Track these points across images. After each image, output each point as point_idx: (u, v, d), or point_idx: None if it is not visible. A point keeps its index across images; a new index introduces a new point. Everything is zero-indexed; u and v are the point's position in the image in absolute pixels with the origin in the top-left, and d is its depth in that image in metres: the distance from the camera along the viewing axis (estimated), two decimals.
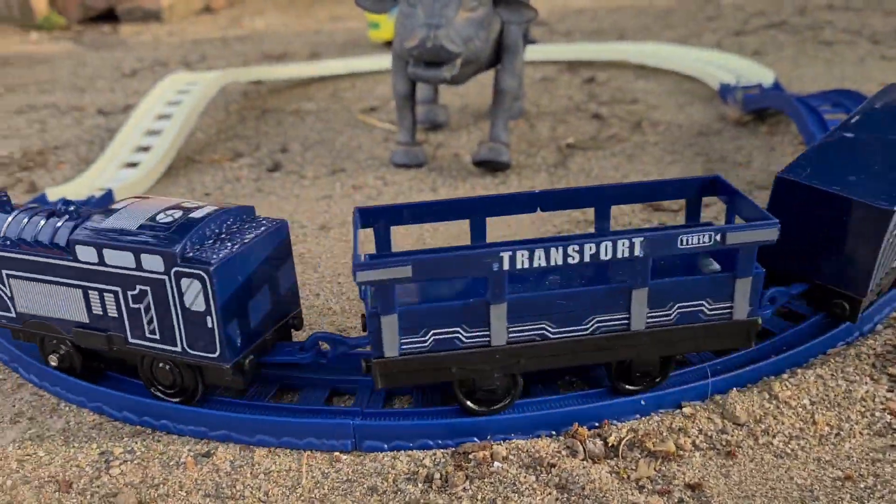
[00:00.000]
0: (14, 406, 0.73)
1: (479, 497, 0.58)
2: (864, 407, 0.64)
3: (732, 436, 0.62)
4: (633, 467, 0.60)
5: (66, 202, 0.69)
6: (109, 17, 3.70)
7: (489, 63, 1.25)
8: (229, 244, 0.64)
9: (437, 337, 0.61)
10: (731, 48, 2.07)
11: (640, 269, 0.60)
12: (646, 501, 0.57)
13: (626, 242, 0.59)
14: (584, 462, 0.61)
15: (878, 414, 0.63)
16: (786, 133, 1.35)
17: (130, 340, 0.66)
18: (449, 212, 0.72)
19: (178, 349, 0.64)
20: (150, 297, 0.63)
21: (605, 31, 2.45)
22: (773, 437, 0.62)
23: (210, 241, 0.64)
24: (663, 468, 0.60)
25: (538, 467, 0.60)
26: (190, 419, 0.67)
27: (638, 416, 0.65)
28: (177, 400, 0.68)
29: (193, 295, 0.61)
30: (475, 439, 0.63)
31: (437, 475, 0.60)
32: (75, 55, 2.69)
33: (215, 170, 1.39)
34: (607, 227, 0.73)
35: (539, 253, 0.59)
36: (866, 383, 0.66)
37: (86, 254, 0.65)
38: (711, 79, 1.64)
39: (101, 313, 0.66)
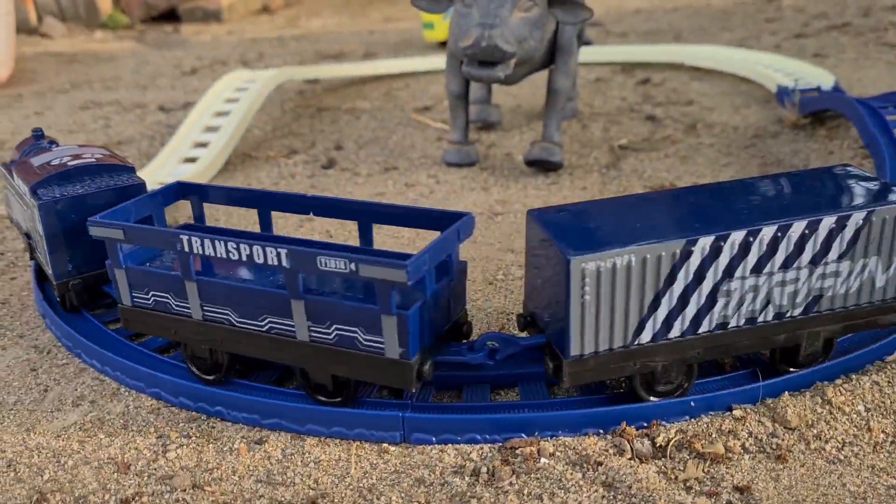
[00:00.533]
0: (76, 390, 0.76)
1: (525, 492, 0.58)
2: None
3: (783, 440, 0.61)
4: (682, 468, 0.60)
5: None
6: (171, 16, 3.79)
7: (543, 63, 1.25)
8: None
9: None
10: (790, 50, 2.03)
11: (292, 281, 0.62)
12: (693, 502, 0.56)
13: (274, 252, 0.61)
14: (632, 461, 0.60)
15: None
16: (845, 137, 1.32)
17: None
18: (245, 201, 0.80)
19: None
20: None
21: (661, 32, 2.42)
22: (826, 442, 0.61)
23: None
24: (711, 470, 0.59)
25: (585, 465, 0.60)
26: (244, 406, 0.69)
27: (687, 417, 0.64)
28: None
29: None
30: (523, 435, 0.64)
31: (484, 469, 0.61)
32: (138, 53, 2.76)
33: (271, 166, 1.42)
34: (369, 241, 0.74)
35: (210, 243, 0.64)
36: None
37: None
38: (769, 81, 1.61)
39: None
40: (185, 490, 0.61)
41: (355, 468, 0.63)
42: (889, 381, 0.66)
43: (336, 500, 0.59)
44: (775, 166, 1.21)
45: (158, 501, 0.60)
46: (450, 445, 0.64)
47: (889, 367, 0.68)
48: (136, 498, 0.61)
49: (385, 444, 0.65)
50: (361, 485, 0.61)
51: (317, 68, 1.96)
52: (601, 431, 0.64)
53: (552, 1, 1.11)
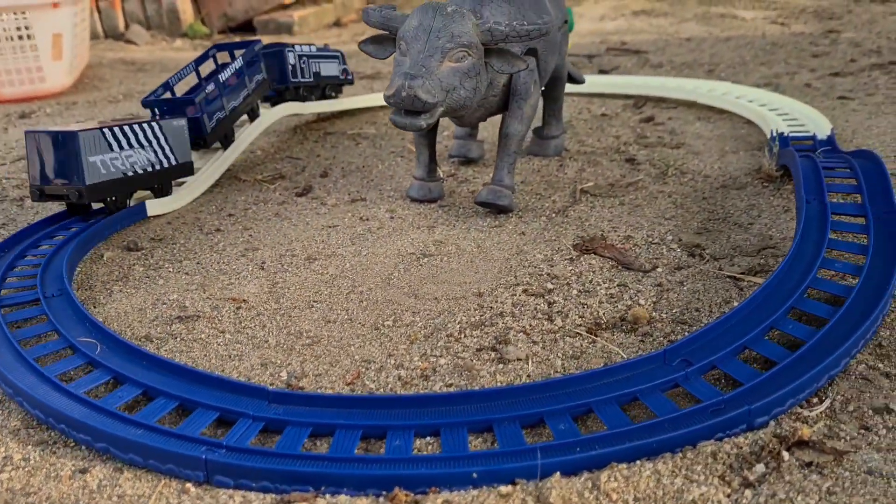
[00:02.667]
0: None
1: None
2: None
3: None
4: None
5: None
6: (247, 27, 3.97)
7: (500, 108, 1.28)
8: None
9: None
10: (819, 89, 1.97)
11: None
12: None
13: None
14: None
15: None
16: None
17: None
18: None
19: None
20: None
21: (698, 65, 2.38)
22: None
23: None
24: None
25: None
26: (80, 427, 0.74)
27: (469, 487, 0.66)
28: None
29: None
30: (310, 488, 0.67)
31: None
32: None
33: (254, 190, 1.49)
34: None
35: None
36: (708, 485, 0.64)
37: None
38: (768, 125, 1.57)
39: None
40: None
41: None
42: (672, 472, 0.65)
43: None
44: (718, 222, 1.19)
45: None
46: (241, 491, 0.68)
47: (689, 454, 0.67)
48: None
49: (188, 484, 0.70)
50: None
51: (322, 104, 1.90)
52: (382, 493, 0.67)
53: (488, 51, 1.13)
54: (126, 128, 1.26)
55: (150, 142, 1.30)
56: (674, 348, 0.81)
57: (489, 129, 1.75)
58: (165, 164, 1.34)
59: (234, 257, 1.18)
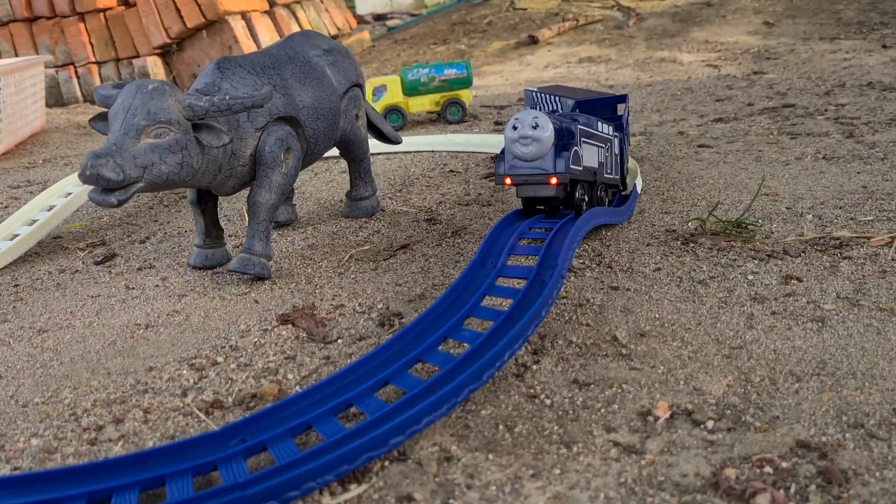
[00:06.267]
0: None
1: None
2: None
3: None
4: None
5: None
6: None
7: (251, 176, 1.29)
8: None
9: None
10: (688, 136, 1.92)
11: None
12: None
13: None
14: None
15: None
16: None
17: None
18: None
19: None
20: None
21: None
22: None
23: None
24: None
25: None
26: None
27: None
28: None
29: None
30: None
31: None
32: None
33: (64, 258, 1.53)
34: None
35: None
36: None
37: None
38: None
39: None
40: None
41: None
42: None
43: None
44: (443, 288, 1.17)
45: None
46: None
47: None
48: None
49: None
50: None
51: None
52: None
53: (197, 126, 1.14)
54: None
55: None
56: (231, 427, 0.79)
57: (314, 186, 1.76)
58: None
59: None
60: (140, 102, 1.11)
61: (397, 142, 1.67)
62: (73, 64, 3.94)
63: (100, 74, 3.95)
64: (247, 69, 1.29)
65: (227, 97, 1.13)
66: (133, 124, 1.10)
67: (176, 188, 1.21)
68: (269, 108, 1.26)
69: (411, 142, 2.09)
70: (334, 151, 1.97)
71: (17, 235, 1.56)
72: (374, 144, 1.93)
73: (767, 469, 0.71)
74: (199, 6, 3.85)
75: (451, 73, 2.38)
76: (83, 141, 2.91)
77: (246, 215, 1.70)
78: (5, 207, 1.93)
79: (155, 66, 3.93)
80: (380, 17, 6.09)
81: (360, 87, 1.51)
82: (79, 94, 3.93)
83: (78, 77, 3.94)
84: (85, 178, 1.08)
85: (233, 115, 1.15)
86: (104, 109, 1.18)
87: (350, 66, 1.48)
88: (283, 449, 0.77)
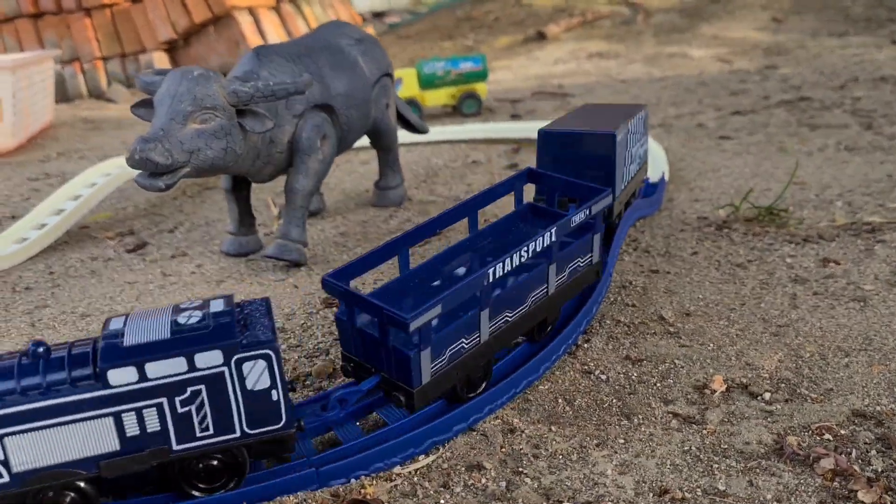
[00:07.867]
0: None
1: None
2: None
3: None
4: None
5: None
6: None
7: (288, 163, 1.30)
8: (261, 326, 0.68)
9: None
10: (707, 129, 1.93)
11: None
12: None
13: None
14: None
15: None
16: None
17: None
18: None
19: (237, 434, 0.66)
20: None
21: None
22: None
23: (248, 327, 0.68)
24: None
25: None
26: None
27: None
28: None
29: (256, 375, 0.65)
30: None
31: None
32: None
33: (95, 247, 1.54)
34: None
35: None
36: None
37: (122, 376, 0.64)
38: None
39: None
40: None
41: None
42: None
43: None
44: None
45: None
46: None
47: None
48: None
49: None
50: None
51: None
52: None
53: (241, 112, 1.15)
54: None
55: None
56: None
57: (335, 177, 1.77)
58: None
59: (17, 315, 1.22)
60: (186, 88, 1.12)
61: (424, 131, 1.68)
62: (78, 60, 3.93)
63: (105, 70, 3.95)
64: (284, 57, 1.30)
65: (271, 83, 1.14)
66: (179, 110, 1.11)
67: (217, 174, 1.22)
68: (306, 96, 1.27)
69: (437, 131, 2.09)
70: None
71: (44, 225, 1.57)
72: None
73: (827, 436, 0.73)
74: (206, 1, 3.85)
75: (466, 66, 2.39)
76: (94, 135, 2.91)
77: (270, 204, 1.71)
78: (27, 199, 1.94)
79: (161, 62, 3.93)
80: (378, 15, 6.10)
81: (391, 76, 1.52)
82: (84, 89, 3.92)
83: (83, 73, 3.93)
84: (133, 163, 1.08)
85: (276, 101, 1.16)
86: (114, 105, 1.19)
87: (381, 55, 1.49)
88: (347, 430, 0.78)
